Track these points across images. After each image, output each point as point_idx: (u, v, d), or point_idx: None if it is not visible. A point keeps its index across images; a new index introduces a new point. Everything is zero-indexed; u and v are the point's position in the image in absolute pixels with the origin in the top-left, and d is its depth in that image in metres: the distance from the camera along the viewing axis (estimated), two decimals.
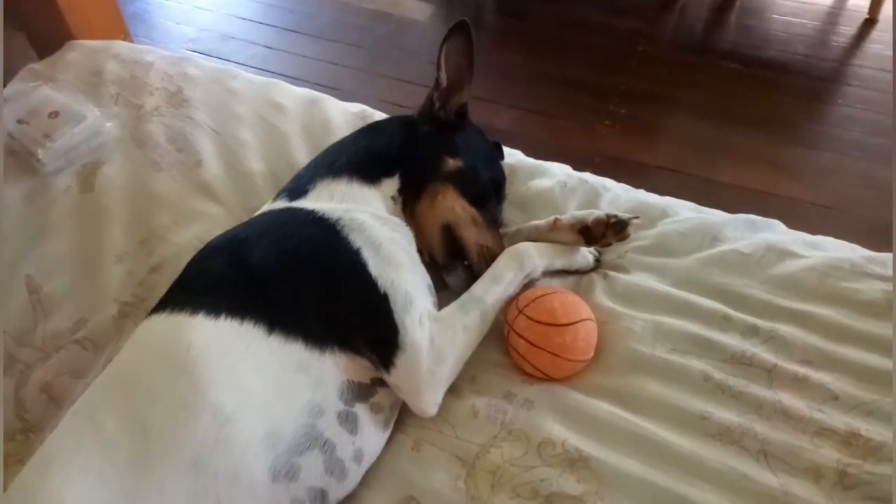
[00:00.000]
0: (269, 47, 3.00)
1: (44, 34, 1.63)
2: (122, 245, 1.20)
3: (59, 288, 1.15)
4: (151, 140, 1.35)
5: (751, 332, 1.04)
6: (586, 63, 2.89)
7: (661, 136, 2.61)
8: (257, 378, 0.87)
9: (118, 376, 0.89)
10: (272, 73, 2.66)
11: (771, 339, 1.03)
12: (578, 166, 1.42)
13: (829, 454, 0.91)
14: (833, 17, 3.17)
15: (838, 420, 0.94)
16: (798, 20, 3.13)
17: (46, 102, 1.34)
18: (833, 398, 0.97)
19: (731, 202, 1.34)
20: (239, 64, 2.76)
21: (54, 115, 1.31)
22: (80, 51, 1.55)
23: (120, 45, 1.57)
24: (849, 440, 0.92)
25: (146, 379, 0.86)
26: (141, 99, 1.43)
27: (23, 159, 1.30)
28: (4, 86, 1.49)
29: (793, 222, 1.30)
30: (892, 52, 2.86)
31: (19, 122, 1.31)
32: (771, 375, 0.99)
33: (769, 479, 0.89)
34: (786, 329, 1.04)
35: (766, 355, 1.01)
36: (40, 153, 1.27)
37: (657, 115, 2.67)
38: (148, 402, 0.83)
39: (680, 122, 2.64)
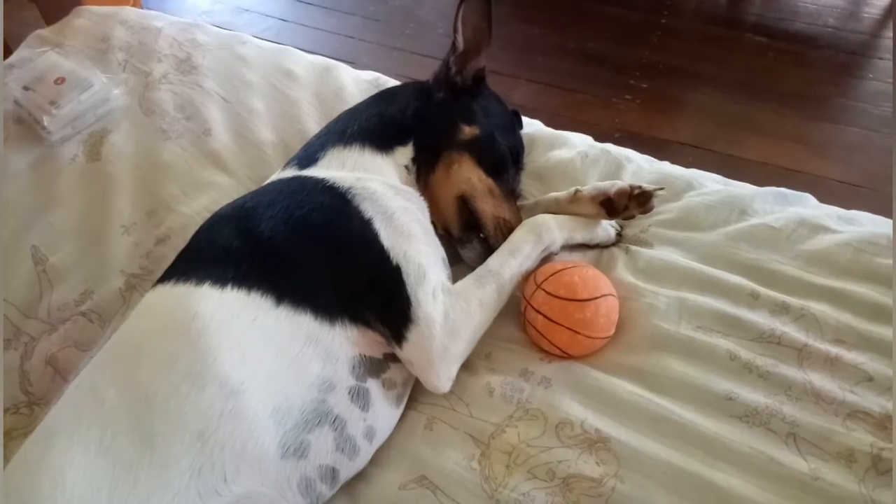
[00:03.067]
0: (284, 20, 2.96)
1: (53, 4, 1.60)
2: (129, 216, 1.18)
3: (65, 259, 1.13)
4: (159, 108, 1.33)
5: (780, 309, 1.00)
6: (606, 35, 2.83)
7: (683, 111, 2.55)
8: (265, 350, 0.84)
9: (121, 347, 0.87)
10: (287, 46, 2.63)
11: (802, 318, 0.99)
12: (598, 141, 1.37)
13: (862, 437, 0.87)
14: None
15: (872, 402, 0.90)
16: None
17: (53, 68, 1.31)
18: (867, 379, 0.92)
19: (755, 180, 1.28)
20: (253, 37, 2.72)
21: (60, 81, 1.28)
22: (87, 17, 1.51)
23: (128, 11, 1.54)
24: (883, 423, 0.88)
25: (150, 350, 0.84)
26: (149, 66, 1.40)
27: (29, 127, 1.28)
28: (12, 53, 1.46)
29: (819, 201, 1.24)
30: None
31: (25, 88, 1.28)
32: (801, 355, 0.95)
33: (798, 462, 0.85)
34: (817, 307, 1.00)
35: (796, 334, 0.97)
36: (46, 121, 1.24)
37: (679, 89, 2.61)
38: (152, 374, 0.81)
39: (703, 96, 2.58)
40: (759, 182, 1.27)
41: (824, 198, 1.25)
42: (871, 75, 2.64)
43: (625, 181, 1.10)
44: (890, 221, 1.16)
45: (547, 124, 1.41)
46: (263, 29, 2.87)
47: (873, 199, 2.12)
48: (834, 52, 2.76)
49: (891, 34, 2.80)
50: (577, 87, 2.60)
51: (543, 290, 0.97)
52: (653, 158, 1.32)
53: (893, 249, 1.05)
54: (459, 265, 1.08)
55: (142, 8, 1.73)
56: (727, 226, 1.13)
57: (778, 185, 1.25)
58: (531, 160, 1.26)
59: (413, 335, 0.90)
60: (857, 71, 2.69)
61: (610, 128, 2.37)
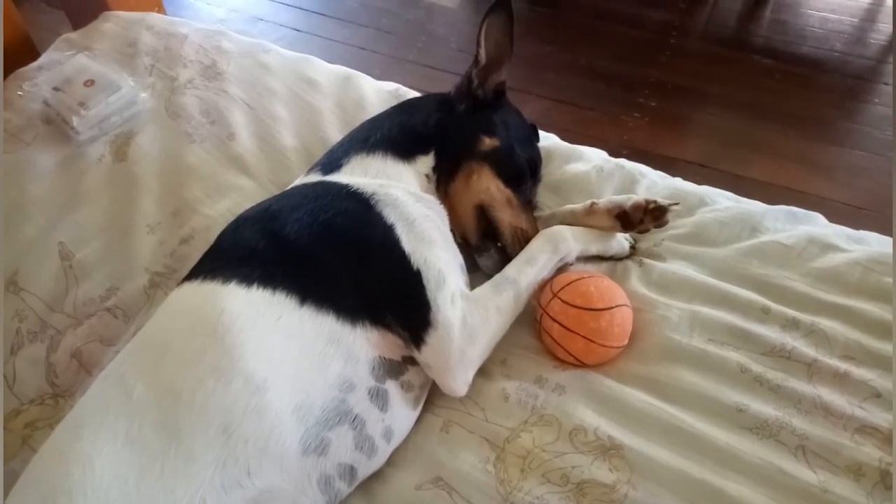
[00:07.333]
0: (298, 30, 2.99)
1: (81, 9, 1.63)
2: (153, 215, 1.20)
3: (90, 256, 1.15)
4: (185, 112, 1.35)
5: (791, 325, 1.02)
6: (616, 54, 2.85)
7: (691, 130, 2.58)
8: (289, 349, 0.86)
9: (149, 342, 0.89)
10: (309, 55, 2.66)
11: (811, 333, 1.01)
12: None
13: (870, 452, 0.88)
14: (871, 13, 3.10)
15: (880, 418, 0.91)
16: (835, 16, 3.06)
17: (82, 71, 1.34)
18: (875, 395, 0.94)
19: (761, 199, 1.30)
20: None
21: (89, 83, 1.31)
22: (114, 21, 1.54)
23: (154, 17, 1.57)
24: (891, 438, 0.89)
25: (177, 345, 0.85)
26: (175, 71, 1.43)
27: (58, 127, 1.31)
28: (39, 56, 1.49)
29: None
30: None
31: (55, 89, 1.31)
32: (811, 370, 0.97)
33: (807, 475, 0.87)
34: (827, 323, 1.02)
35: (806, 349, 0.99)
36: (75, 121, 1.27)
37: (687, 108, 2.63)
38: (178, 369, 0.82)
39: (710, 116, 2.60)
40: (765, 202, 1.29)
41: (829, 219, 1.27)
42: (876, 100, 2.67)
43: (640, 195, 1.13)
44: None
45: None
46: (277, 39, 2.89)
47: (877, 221, 2.14)
48: (840, 77, 2.79)
49: None
50: (587, 103, 2.62)
51: (560, 298, 0.99)
52: (665, 174, 1.34)
53: (894, 269, 1.07)
54: (476, 273, 1.09)
55: (165, 13, 1.76)
56: (739, 242, 1.15)
57: (784, 205, 1.27)
58: (548, 173, 1.28)
59: (432, 339, 0.91)
60: (862, 95, 2.71)
61: (618, 145, 2.39)
